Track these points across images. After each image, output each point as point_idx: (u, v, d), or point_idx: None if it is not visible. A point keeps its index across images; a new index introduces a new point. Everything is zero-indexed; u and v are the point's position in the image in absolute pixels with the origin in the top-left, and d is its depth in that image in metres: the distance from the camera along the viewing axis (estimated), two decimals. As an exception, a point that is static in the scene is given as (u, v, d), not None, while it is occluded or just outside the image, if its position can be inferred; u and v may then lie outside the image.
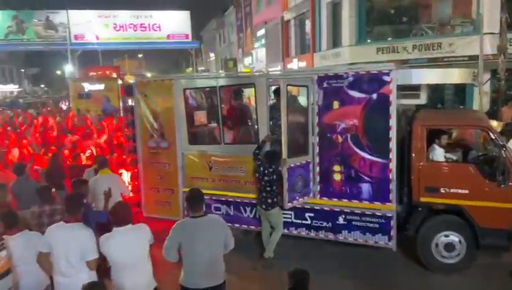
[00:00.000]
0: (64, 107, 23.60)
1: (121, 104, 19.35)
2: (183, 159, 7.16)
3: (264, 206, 6.15)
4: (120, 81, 20.78)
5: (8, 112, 21.71)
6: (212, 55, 49.51)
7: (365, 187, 5.98)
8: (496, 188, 5.45)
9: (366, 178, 5.94)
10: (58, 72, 58.62)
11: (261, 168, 6.12)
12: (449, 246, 5.74)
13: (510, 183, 5.42)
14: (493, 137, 5.68)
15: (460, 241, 5.70)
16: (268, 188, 6.06)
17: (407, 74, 5.90)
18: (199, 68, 50.01)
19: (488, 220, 5.52)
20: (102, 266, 3.98)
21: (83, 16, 35.76)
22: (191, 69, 51.97)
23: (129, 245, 3.75)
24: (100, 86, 20.20)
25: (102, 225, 4.49)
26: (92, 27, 35.62)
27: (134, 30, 37.19)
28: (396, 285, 5.67)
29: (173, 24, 37.64)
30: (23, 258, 4.02)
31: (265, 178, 6.05)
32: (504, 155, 5.44)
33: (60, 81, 57.01)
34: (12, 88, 55.14)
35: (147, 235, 3.92)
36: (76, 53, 36.95)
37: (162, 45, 39.08)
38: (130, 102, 7.67)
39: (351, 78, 5.88)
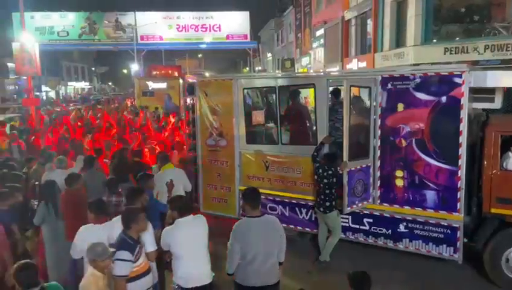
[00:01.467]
0: (129, 104, 24.86)
1: (181, 102, 20.19)
2: (240, 158, 7.24)
3: (322, 209, 6.04)
4: (181, 80, 21.57)
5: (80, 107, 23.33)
6: (269, 55, 49.79)
7: (430, 195, 5.67)
8: None
9: (431, 185, 5.63)
10: (125, 71, 62.09)
11: (320, 170, 6.01)
12: (522, 263, 5.28)
13: None
14: None
15: (536, 259, 5.22)
16: (327, 191, 5.94)
17: (481, 76, 5.49)
18: (256, 68, 50.51)
19: None
20: (165, 257, 4.11)
21: (149, 17, 37.58)
22: (247, 69, 52.65)
23: (192, 235, 3.91)
24: (163, 85, 21.02)
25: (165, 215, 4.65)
26: (156, 28, 37.30)
27: (196, 31, 38.42)
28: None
29: (233, 24, 38.37)
30: None
31: (324, 180, 5.94)
32: None
33: (126, 79, 60.38)
34: (83, 85, 59.32)
35: (206, 225, 4.07)
36: (141, 53, 38.90)
37: (221, 45, 39.98)
38: (190, 100, 7.90)
39: (418, 80, 5.60)
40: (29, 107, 15.00)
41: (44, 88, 43.82)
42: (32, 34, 22.96)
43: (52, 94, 46.80)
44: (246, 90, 7.35)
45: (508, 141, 5.60)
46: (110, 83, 69.41)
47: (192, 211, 4.06)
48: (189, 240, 3.89)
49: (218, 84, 7.46)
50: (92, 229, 4.11)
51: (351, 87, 6.02)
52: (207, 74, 23.73)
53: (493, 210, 5.40)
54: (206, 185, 7.67)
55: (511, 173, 5.41)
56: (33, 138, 10.05)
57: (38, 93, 32.59)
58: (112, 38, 38.16)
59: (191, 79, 19.29)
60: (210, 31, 38.44)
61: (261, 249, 3.84)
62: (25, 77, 20.95)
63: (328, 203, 5.97)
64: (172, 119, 13.46)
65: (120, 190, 5.28)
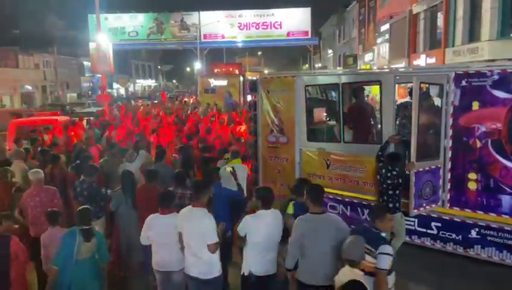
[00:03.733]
0: (189, 101, 25.62)
1: (241, 98, 20.52)
2: (301, 155, 7.21)
3: None
4: (241, 78, 21.89)
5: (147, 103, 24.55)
6: (330, 51, 48.93)
7: (506, 199, 5.28)
8: None
9: (508, 189, 5.23)
10: (188, 69, 64.43)
11: (383, 170, 5.80)
12: None
13: None
14: None
15: None
16: (390, 192, 5.72)
17: None
18: (316, 65, 49.88)
19: None
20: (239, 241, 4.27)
21: (212, 16, 38.59)
22: (307, 65, 52.14)
23: (270, 227, 4.05)
24: (224, 82, 21.49)
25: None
26: (219, 27, 38.21)
27: (257, 28, 38.75)
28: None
29: (294, 21, 38.18)
30: (163, 238, 4.29)
31: (388, 181, 5.72)
32: None
33: (189, 77, 62.61)
34: (150, 82, 62.48)
35: (280, 220, 4.15)
36: (204, 51, 40.08)
37: (282, 42, 39.98)
38: (251, 97, 7.99)
39: (496, 77, 5.22)
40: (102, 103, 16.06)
41: (115, 85, 46.81)
42: (106, 34, 24.51)
43: (122, 91, 49.87)
44: (308, 87, 7.31)
45: None
46: (174, 81, 72.38)
47: (271, 204, 4.18)
48: (267, 231, 4.06)
49: (281, 81, 7.49)
50: (157, 219, 4.33)
51: (421, 84, 5.76)
52: (265, 72, 23.81)
53: None
54: (266, 181, 7.73)
55: None
56: (107, 131, 10.75)
57: (109, 90, 34.82)
58: (177, 38, 39.72)
59: (251, 77, 19.57)
60: (271, 28, 38.57)
61: (325, 247, 3.79)
62: (99, 75, 22.48)
63: (391, 205, 5.74)
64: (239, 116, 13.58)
65: (186, 183, 5.49)
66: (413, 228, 6.08)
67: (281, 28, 38.53)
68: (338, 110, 6.95)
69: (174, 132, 10.30)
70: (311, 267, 3.85)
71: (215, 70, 24.63)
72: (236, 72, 24.39)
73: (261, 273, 4.11)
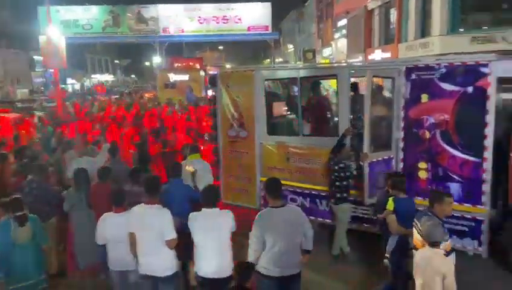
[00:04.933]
0: (149, 96, 25.09)
1: (203, 93, 20.30)
2: (261, 149, 7.26)
3: (332, 201, 6.06)
4: (203, 72, 21.69)
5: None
6: (290, 46, 49.41)
7: (454, 187, 5.56)
8: None
9: (455, 177, 5.52)
10: (147, 63, 62.85)
11: (331, 162, 6.02)
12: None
13: None
14: None
15: None
16: (337, 183, 5.94)
17: (510, 65, 5.31)
18: (277, 59, 50.24)
19: None
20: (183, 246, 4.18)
21: (170, 9, 37.78)
22: (268, 60, 52.39)
23: (213, 228, 3.92)
24: (184, 77, 21.19)
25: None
26: (178, 21, 37.51)
27: (217, 23, 38.36)
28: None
29: (254, 16, 38.12)
30: (118, 237, 4.23)
31: (335, 173, 5.94)
32: None
33: (148, 71, 61.09)
34: (107, 78, 60.42)
35: (230, 222, 4.06)
36: (163, 45, 39.23)
37: (242, 36, 39.85)
38: (211, 92, 7.95)
39: (443, 70, 5.47)
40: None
41: (69, 81, 44.83)
42: (58, 27, 23.41)
43: (77, 86, 47.91)
44: (267, 82, 7.35)
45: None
46: (132, 76, 70.46)
47: (217, 204, 4.09)
48: (208, 233, 3.93)
49: (240, 75, 7.48)
50: (111, 218, 4.29)
51: (373, 78, 5.95)
52: (227, 66, 23.74)
53: (520, 203, 5.27)
54: (227, 175, 7.74)
55: (539, 166, 5.26)
56: (60, 129, 10.34)
57: (63, 86, 33.38)
58: (135, 31, 38.57)
59: (212, 71, 19.44)
60: (231, 22, 38.36)
61: (283, 239, 3.86)
62: (51, 70, 21.48)
63: (339, 195, 5.96)
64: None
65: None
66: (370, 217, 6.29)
67: (241, 22, 38.37)
68: (297, 104, 7.04)
69: (132, 127, 10.08)
70: (274, 260, 3.89)
71: (176, 65, 24.28)
72: (197, 66, 24.14)
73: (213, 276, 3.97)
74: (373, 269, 5.63)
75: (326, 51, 32.33)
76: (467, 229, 5.53)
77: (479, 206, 5.41)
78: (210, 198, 4.04)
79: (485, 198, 5.36)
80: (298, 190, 6.90)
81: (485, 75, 5.19)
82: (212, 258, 3.92)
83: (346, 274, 5.72)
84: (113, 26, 38.03)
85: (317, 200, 6.71)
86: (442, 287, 3.36)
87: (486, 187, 5.34)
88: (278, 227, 3.85)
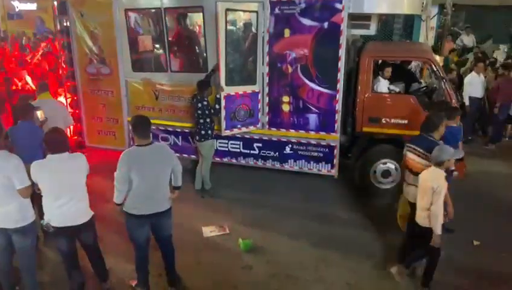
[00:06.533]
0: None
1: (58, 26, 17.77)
2: (127, 87, 6.81)
3: (197, 138, 6.14)
4: (55, 1, 18.85)
5: None
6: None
7: (312, 118, 6.06)
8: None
9: (313, 109, 6.00)
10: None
11: (194, 100, 6.01)
12: (386, 173, 6.11)
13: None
14: (435, 69, 5.87)
15: (396, 169, 6.07)
16: (201, 120, 5.99)
17: (359, 1, 5.74)
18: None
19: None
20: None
21: None
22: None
23: (62, 174, 3.59)
24: (32, 6, 18.15)
25: None
26: None
27: None
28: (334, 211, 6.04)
29: None
30: None
31: (198, 111, 5.96)
32: (444, 87, 5.70)
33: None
34: None
35: (83, 165, 3.77)
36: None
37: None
38: (65, 22, 6.97)
39: (303, 5, 5.66)
40: None
41: None
42: None
43: None
44: (131, 13, 6.71)
45: (380, 66, 6.17)
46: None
47: (66, 149, 3.68)
48: (58, 179, 3.59)
49: (95, 3, 6.65)
50: None
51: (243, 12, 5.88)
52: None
53: (365, 129, 6.03)
54: (89, 117, 7.13)
55: (379, 95, 6.01)
56: None
57: None
58: None
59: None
60: None
61: (153, 177, 3.78)
62: None
63: (203, 132, 6.05)
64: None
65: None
66: (238, 150, 6.55)
67: None
68: (163, 38, 6.63)
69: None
70: (141, 199, 3.81)
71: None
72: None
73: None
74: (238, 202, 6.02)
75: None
76: (322, 155, 6.18)
77: (332, 133, 6.04)
78: (55, 144, 3.62)
79: (337, 126, 6.00)
80: (170, 129, 6.76)
81: (338, 10, 5.52)
82: (64, 205, 3.64)
83: (216, 206, 6.00)
84: None
85: (189, 138, 6.69)
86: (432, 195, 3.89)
87: (338, 116, 5.95)
88: (144, 165, 3.72)
